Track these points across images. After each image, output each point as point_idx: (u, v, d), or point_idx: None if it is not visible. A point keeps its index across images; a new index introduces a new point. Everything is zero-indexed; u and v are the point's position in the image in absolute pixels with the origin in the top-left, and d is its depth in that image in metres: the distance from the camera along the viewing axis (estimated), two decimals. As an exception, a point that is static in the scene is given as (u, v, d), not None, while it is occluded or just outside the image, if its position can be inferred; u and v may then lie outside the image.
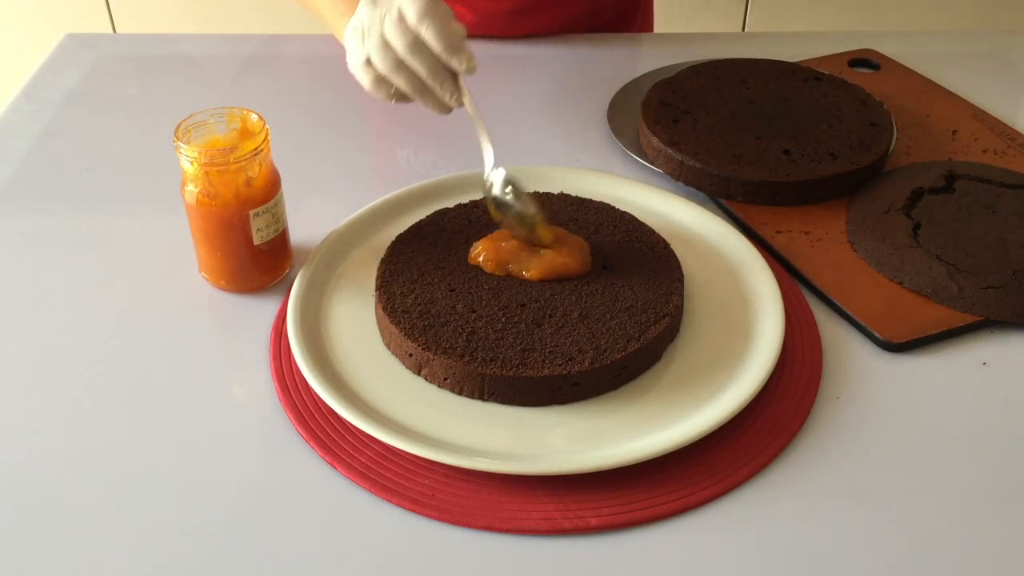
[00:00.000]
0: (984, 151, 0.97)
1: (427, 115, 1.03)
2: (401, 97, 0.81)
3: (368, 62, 0.80)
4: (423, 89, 0.79)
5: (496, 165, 0.79)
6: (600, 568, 0.61)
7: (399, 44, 0.77)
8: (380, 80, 0.80)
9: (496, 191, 0.79)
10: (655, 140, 0.93)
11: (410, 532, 0.63)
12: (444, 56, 0.76)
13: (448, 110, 0.80)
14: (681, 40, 1.19)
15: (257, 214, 0.76)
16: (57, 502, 0.65)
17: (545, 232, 0.77)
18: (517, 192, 0.78)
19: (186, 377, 0.74)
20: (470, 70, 0.76)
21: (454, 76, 0.78)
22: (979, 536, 0.63)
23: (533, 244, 0.77)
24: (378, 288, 0.76)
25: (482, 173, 0.91)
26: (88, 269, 0.84)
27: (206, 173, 0.75)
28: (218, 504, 0.65)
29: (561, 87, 1.09)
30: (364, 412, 0.68)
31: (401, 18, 0.76)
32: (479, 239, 0.79)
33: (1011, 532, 0.63)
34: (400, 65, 0.78)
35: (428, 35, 0.76)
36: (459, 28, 0.77)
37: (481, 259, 0.77)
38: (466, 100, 0.79)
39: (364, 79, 0.81)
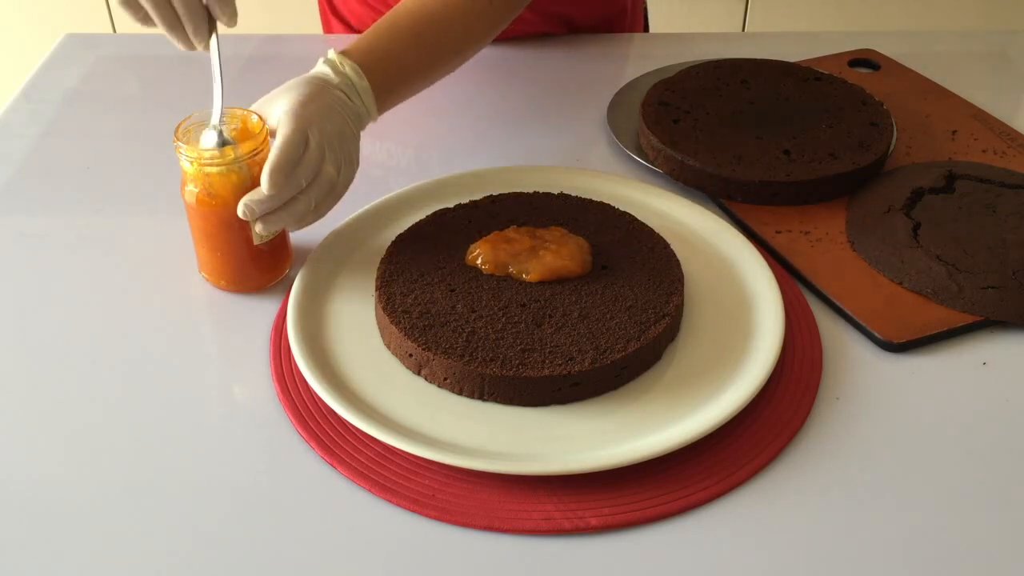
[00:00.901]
0: (984, 151, 0.97)
1: (428, 116, 1.03)
2: (148, 20, 0.77)
3: None
4: (174, 23, 0.75)
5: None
6: (600, 568, 0.61)
7: None
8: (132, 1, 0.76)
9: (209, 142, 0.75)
10: (655, 140, 0.93)
11: (410, 532, 0.63)
12: (209, 1, 0.74)
13: (193, 48, 0.77)
14: (681, 40, 1.19)
15: (257, 214, 0.76)
16: (56, 502, 0.65)
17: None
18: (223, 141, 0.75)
19: (186, 377, 0.74)
20: (230, 24, 0.75)
21: (210, 19, 0.75)
22: (979, 536, 0.63)
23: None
24: (378, 288, 0.76)
25: (481, 172, 0.91)
26: (88, 269, 0.84)
27: (206, 173, 0.75)
28: (218, 504, 0.65)
29: (561, 87, 1.09)
30: (364, 412, 0.68)
31: None
32: (478, 240, 0.79)
33: (1011, 532, 0.63)
34: None
35: None
36: None
37: (479, 261, 0.77)
38: (212, 46, 0.76)
39: None
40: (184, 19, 0.74)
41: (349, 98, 0.79)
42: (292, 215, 0.75)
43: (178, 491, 0.65)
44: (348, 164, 0.78)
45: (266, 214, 0.74)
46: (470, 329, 0.72)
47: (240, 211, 0.73)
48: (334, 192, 0.76)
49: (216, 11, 0.75)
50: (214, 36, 0.76)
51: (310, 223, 0.77)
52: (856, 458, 0.68)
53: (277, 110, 0.76)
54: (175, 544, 0.62)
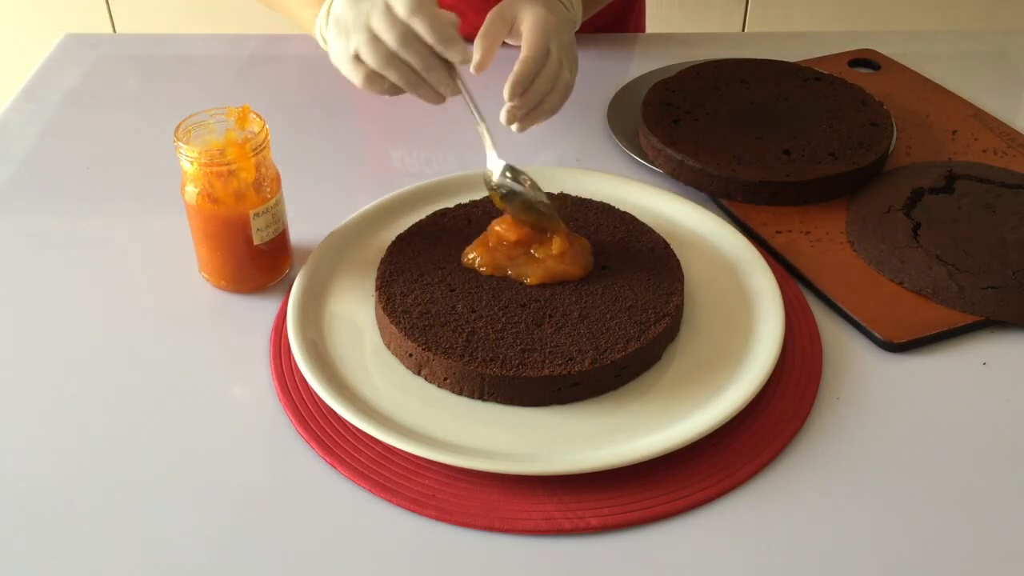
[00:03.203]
0: (984, 151, 0.97)
1: (427, 116, 1.03)
2: (394, 90, 0.81)
3: (357, 57, 0.80)
4: (417, 82, 0.79)
5: (499, 158, 0.80)
6: (600, 568, 0.61)
7: (390, 38, 0.76)
8: (372, 75, 0.80)
9: (497, 178, 0.79)
10: (655, 140, 0.93)
11: (410, 532, 0.63)
12: (438, 48, 0.76)
13: (442, 100, 0.81)
14: (681, 40, 1.19)
15: (257, 214, 0.76)
16: (55, 502, 0.65)
17: (556, 222, 0.77)
18: (519, 178, 0.79)
19: (186, 377, 0.74)
20: (465, 60, 0.77)
21: (448, 65, 0.78)
22: (979, 536, 0.63)
23: (544, 231, 0.77)
24: (378, 288, 0.76)
25: (482, 172, 0.91)
26: (88, 269, 0.84)
27: (206, 173, 0.75)
28: (218, 504, 0.65)
29: (561, 87, 1.09)
30: (364, 412, 0.68)
31: (389, 10, 0.76)
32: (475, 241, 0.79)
33: (1011, 532, 0.63)
34: (392, 59, 0.78)
35: (420, 27, 0.75)
36: (451, 17, 0.77)
37: (476, 263, 0.77)
38: (462, 90, 0.79)
39: (354, 75, 0.81)
40: (426, 75, 0.78)
41: (568, 7, 0.88)
42: (541, 114, 0.82)
43: (178, 491, 0.65)
44: (575, 69, 0.85)
45: (523, 112, 0.80)
46: (470, 329, 0.72)
47: (503, 118, 0.80)
48: (568, 93, 0.84)
49: (449, 55, 0.77)
50: (459, 80, 0.79)
51: (541, 122, 0.83)
52: (856, 458, 0.68)
53: (525, 15, 0.83)
54: (175, 544, 0.62)
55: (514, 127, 0.81)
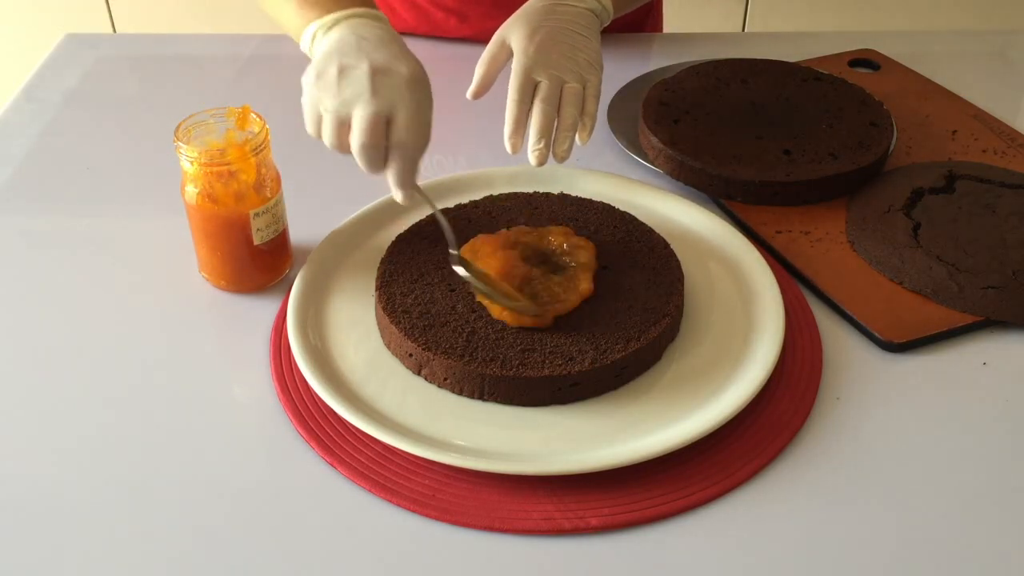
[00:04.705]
0: (984, 151, 0.97)
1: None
2: None
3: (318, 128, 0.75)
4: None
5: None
6: (600, 568, 0.61)
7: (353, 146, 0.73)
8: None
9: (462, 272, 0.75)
10: (655, 140, 0.93)
11: (410, 532, 0.63)
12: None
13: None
14: (681, 40, 1.19)
15: (257, 214, 0.77)
16: (57, 501, 0.65)
17: (513, 294, 0.73)
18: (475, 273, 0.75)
19: (186, 377, 0.74)
20: (404, 203, 0.75)
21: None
22: (979, 536, 0.63)
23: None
24: (378, 288, 0.76)
25: (481, 172, 0.91)
26: (88, 269, 0.84)
27: (206, 173, 0.75)
28: (218, 504, 0.65)
29: (561, 87, 1.09)
30: (364, 412, 0.68)
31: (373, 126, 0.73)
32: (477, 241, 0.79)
33: (1011, 532, 0.63)
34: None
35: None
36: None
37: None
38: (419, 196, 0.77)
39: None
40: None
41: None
42: (566, 131, 0.80)
43: (178, 491, 0.65)
44: (591, 69, 0.83)
45: (548, 144, 0.79)
46: (470, 329, 0.72)
47: (533, 162, 0.79)
48: (590, 96, 0.82)
49: (396, 196, 0.75)
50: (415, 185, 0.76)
51: (591, 128, 0.81)
52: (856, 458, 0.68)
53: (513, 46, 0.82)
54: (175, 544, 0.62)
55: (557, 162, 0.81)
